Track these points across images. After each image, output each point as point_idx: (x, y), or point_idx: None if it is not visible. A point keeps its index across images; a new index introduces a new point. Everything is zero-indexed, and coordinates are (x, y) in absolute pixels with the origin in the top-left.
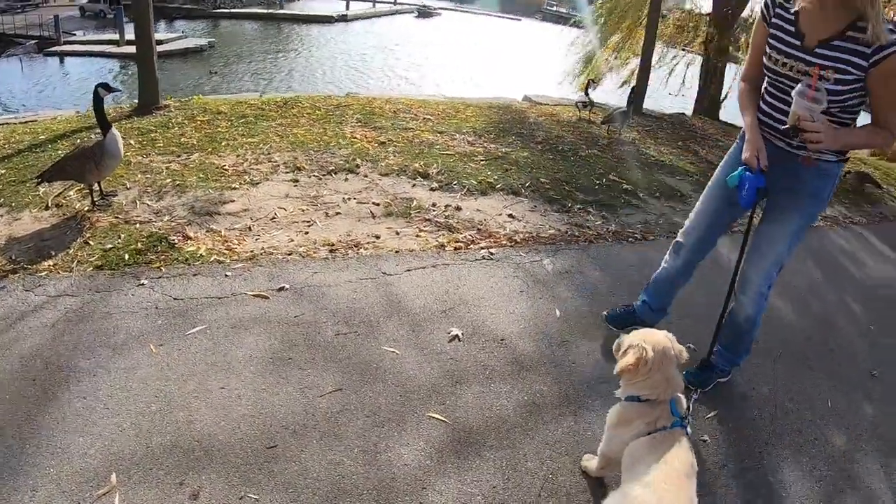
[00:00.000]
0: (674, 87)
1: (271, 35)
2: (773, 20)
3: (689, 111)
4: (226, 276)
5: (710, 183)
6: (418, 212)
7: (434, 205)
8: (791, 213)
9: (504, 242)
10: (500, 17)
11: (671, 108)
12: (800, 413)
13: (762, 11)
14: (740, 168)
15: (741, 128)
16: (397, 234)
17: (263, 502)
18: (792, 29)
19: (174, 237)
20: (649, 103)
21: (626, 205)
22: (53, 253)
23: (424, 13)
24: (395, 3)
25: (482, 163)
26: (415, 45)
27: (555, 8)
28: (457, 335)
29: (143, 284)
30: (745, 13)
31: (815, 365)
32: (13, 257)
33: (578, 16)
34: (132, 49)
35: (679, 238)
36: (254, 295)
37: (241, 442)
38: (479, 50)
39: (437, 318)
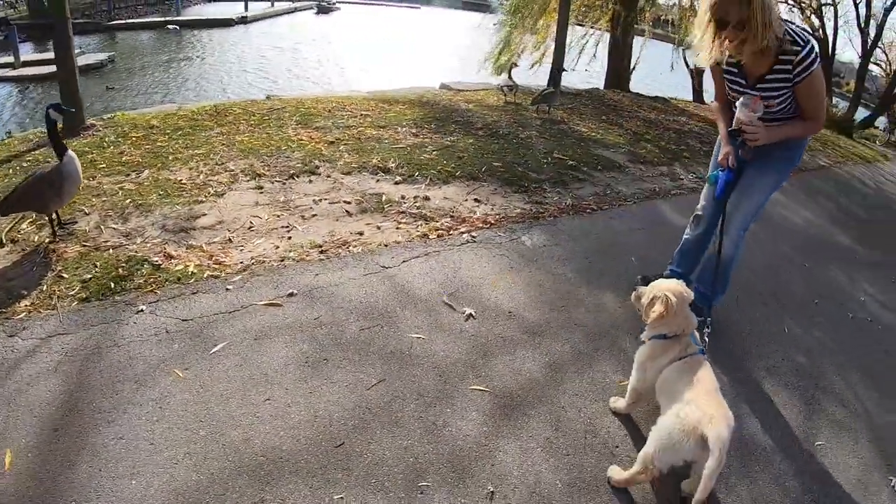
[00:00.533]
0: (583, 64)
1: (171, 44)
2: (725, 67)
3: (600, 86)
4: (227, 289)
5: (710, 167)
6: (390, 205)
7: (403, 197)
8: (767, 173)
9: (480, 225)
10: (399, 6)
11: (583, 84)
12: (764, 338)
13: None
14: (717, 169)
15: (655, 98)
16: (378, 228)
17: (349, 499)
18: (737, 71)
19: (156, 258)
20: (563, 80)
21: (574, 180)
22: (25, 292)
23: (324, 9)
24: (293, 1)
25: (434, 153)
26: (318, 42)
27: None
28: (470, 314)
29: (142, 311)
30: None
31: (768, 301)
32: None
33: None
34: (31, 71)
35: (697, 212)
36: (266, 304)
37: (308, 447)
38: (384, 41)
39: (448, 302)
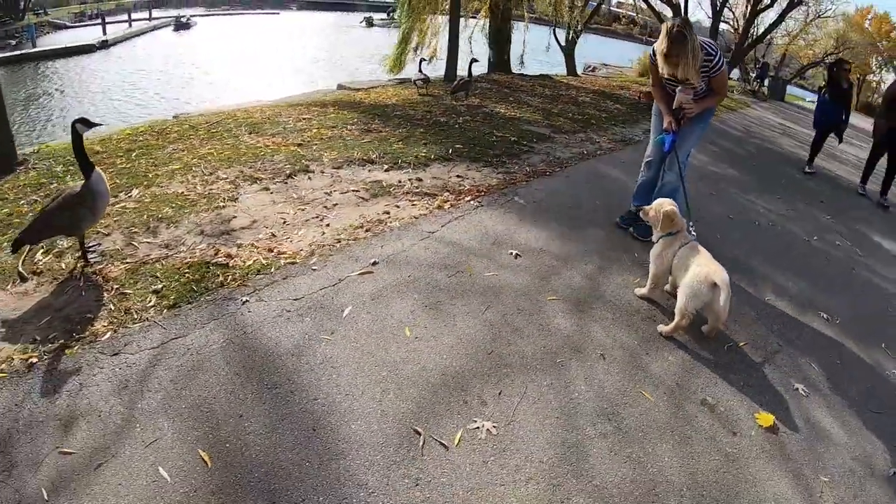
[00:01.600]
0: (465, 51)
1: (27, 78)
2: (662, 71)
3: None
4: (313, 270)
5: (652, 131)
6: (394, 189)
7: (399, 181)
8: (694, 131)
9: (476, 194)
10: (256, 13)
11: (463, 71)
12: (703, 244)
13: (652, 58)
14: (664, 133)
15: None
16: (398, 207)
17: (521, 381)
18: (671, 75)
19: (218, 259)
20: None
21: (522, 152)
22: (90, 315)
23: (182, 24)
24: (150, 20)
25: (400, 143)
26: (184, 59)
27: None
28: (517, 254)
29: (247, 301)
30: None
31: (698, 220)
32: (38, 337)
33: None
34: None
35: (647, 159)
36: (359, 274)
37: (470, 359)
38: (251, 51)
39: (494, 248)
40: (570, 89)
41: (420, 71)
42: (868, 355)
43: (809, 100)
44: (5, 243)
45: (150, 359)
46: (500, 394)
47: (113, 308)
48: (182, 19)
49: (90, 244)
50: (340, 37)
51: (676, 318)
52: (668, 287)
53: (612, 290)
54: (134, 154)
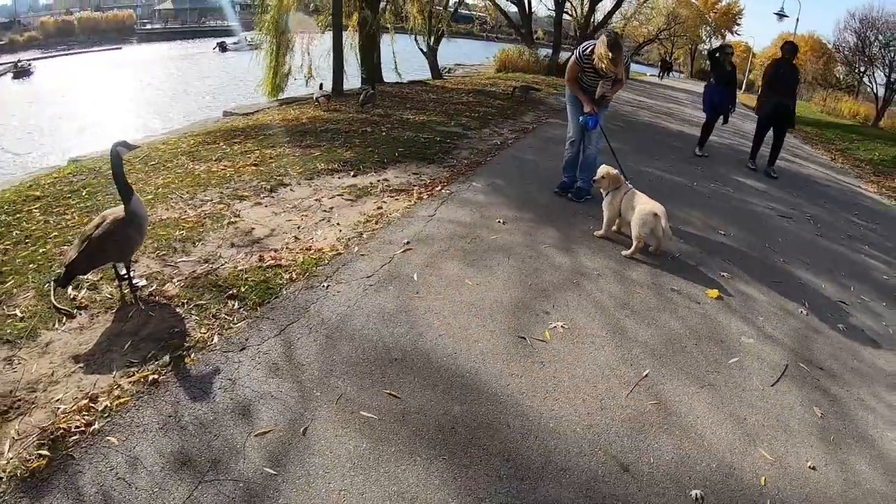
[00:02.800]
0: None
1: None
2: (584, 65)
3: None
4: (362, 255)
5: (569, 112)
6: (371, 189)
7: (371, 183)
8: (603, 111)
9: (440, 186)
10: (97, 51)
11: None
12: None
13: (577, 59)
14: (586, 115)
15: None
16: (385, 202)
17: (565, 308)
18: (591, 68)
19: (269, 263)
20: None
21: (452, 149)
22: (178, 329)
23: (22, 71)
24: None
25: (349, 153)
26: (28, 107)
27: (148, 26)
28: (503, 221)
29: (328, 287)
30: None
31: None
32: (134, 360)
33: (188, 27)
34: None
35: (570, 138)
36: (402, 252)
37: (529, 294)
38: (110, 89)
39: (485, 220)
40: (449, 92)
41: (321, 88)
42: (759, 252)
43: (651, 74)
44: (45, 283)
45: (282, 343)
46: (553, 306)
47: (198, 318)
48: (20, 65)
49: (123, 273)
50: (197, 65)
51: (635, 244)
52: (614, 228)
53: (580, 236)
54: (85, 192)
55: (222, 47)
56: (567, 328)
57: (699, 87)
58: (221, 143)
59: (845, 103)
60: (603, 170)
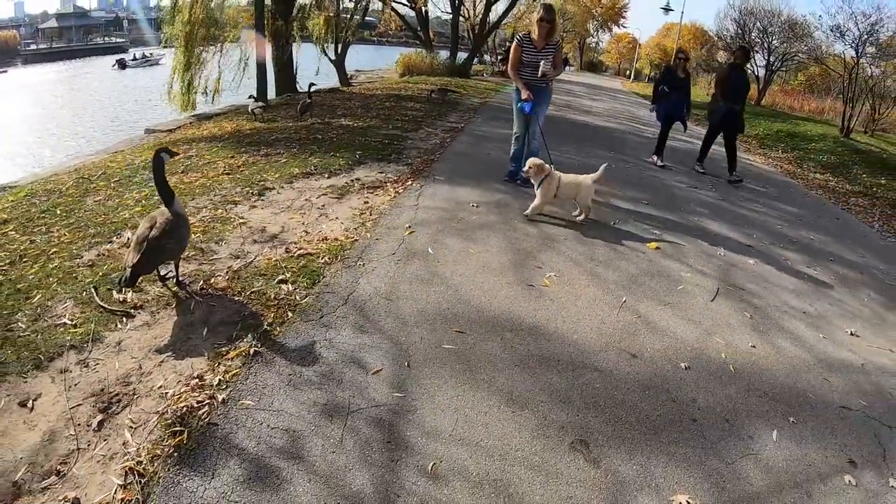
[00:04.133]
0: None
1: None
2: (524, 46)
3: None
4: (376, 240)
5: (515, 109)
6: (348, 188)
7: (347, 183)
8: (543, 108)
9: (407, 180)
10: None
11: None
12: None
13: (519, 41)
14: (523, 101)
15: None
16: (368, 198)
17: (562, 252)
18: (532, 46)
19: (300, 252)
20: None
21: (402, 149)
22: (244, 313)
23: None
24: None
25: (314, 158)
26: None
27: (33, 46)
28: (476, 204)
29: (363, 264)
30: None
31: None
32: (219, 342)
33: (75, 45)
34: None
35: (515, 133)
36: (409, 234)
37: (524, 255)
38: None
39: (460, 205)
40: (369, 98)
41: (256, 100)
42: (678, 215)
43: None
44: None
45: (353, 309)
46: (541, 263)
47: (261, 302)
48: None
49: (164, 273)
50: (98, 83)
51: (585, 211)
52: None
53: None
54: (59, 211)
55: (121, 64)
56: (558, 276)
57: (591, 78)
58: (181, 157)
59: None
60: (530, 161)
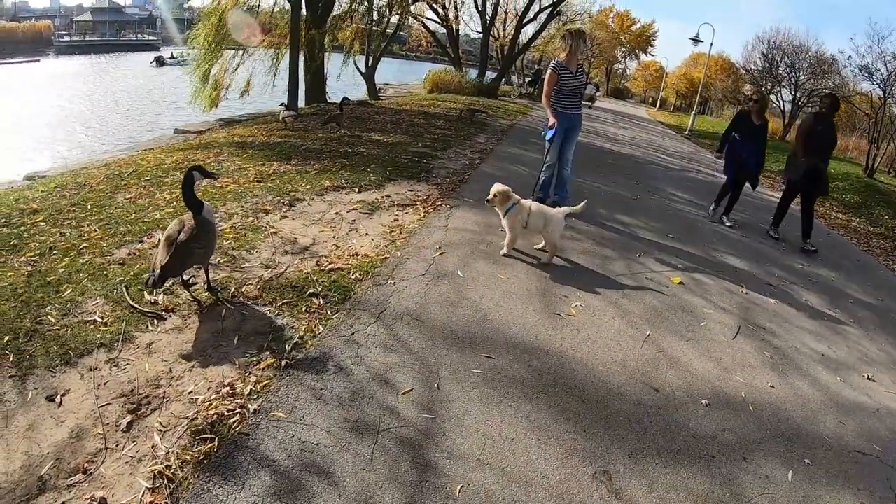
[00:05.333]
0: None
1: None
2: (560, 73)
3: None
4: (406, 259)
5: (550, 139)
6: (379, 203)
7: (377, 199)
8: (576, 134)
9: (436, 199)
10: (11, 62)
11: (259, 105)
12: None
13: (554, 69)
14: (548, 129)
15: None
16: (398, 215)
17: (589, 283)
18: (568, 72)
19: (331, 266)
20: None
21: (431, 168)
22: (275, 324)
23: None
24: None
25: (345, 172)
26: None
27: (66, 38)
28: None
29: (394, 282)
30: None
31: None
32: (250, 351)
33: (108, 40)
34: None
35: (548, 162)
36: (439, 255)
37: (551, 276)
38: (38, 105)
39: (489, 228)
40: (399, 114)
41: (286, 107)
42: (701, 250)
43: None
44: (121, 286)
45: (383, 328)
46: (568, 292)
47: (292, 314)
48: None
49: (188, 279)
50: (134, 81)
51: (550, 249)
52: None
53: (564, 240)
54: (90, 206)
55: (159, 62)
56: (584, 306)
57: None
58: (207, 160)
59: None
60: (495, 188)
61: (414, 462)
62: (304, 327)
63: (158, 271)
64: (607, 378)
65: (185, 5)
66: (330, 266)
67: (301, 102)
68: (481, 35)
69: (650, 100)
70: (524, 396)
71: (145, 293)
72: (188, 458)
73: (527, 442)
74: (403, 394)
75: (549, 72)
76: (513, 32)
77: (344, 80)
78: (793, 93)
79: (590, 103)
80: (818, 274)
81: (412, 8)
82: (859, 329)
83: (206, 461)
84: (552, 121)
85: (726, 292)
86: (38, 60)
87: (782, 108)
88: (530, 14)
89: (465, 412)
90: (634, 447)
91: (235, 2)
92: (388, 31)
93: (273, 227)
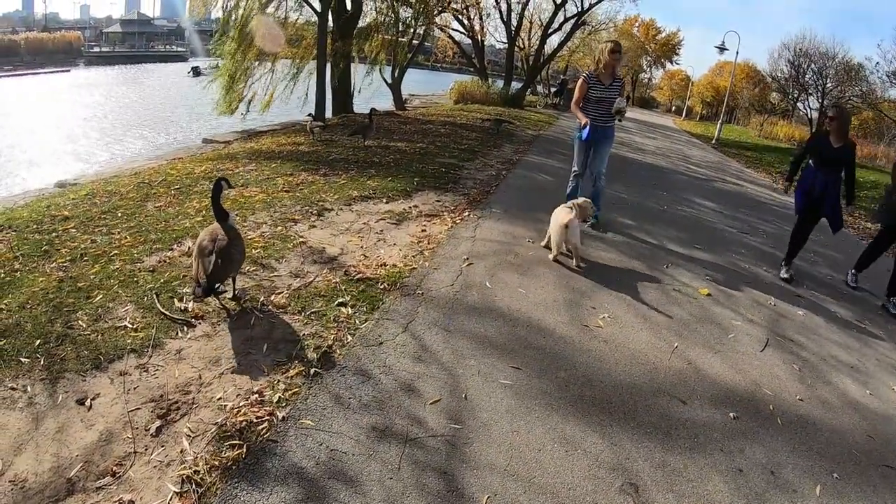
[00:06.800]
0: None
1: None
2: (591, 83)
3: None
4: (434, 269)
5: (576, 146)
6: (406, 214)
7: (405, 210)
8: (607, 147)
9: (463, 210)
10: (43, 73)
11: (284, 115)
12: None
13: (585, 78)
14: (583, 130)
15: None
16: (425, 226)
17: (614, 290)
18: (599, 83)
19: (359, 276)
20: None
21: (457, 178)
22: (303, 332)
23: None
24: None
25: (371, 182)
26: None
27: (96, 49)
28: (531, 240)
29: (421, 293)
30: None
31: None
32: (280, 359)
33: (137, 51)
34: None
35: (575, 171)
36: (467, 266)
37: (576, 288)
38: (72, 113)
39: (516, 239)
40: (425, 124)
41: (314, 119)
42: (728, 261)
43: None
44: (152, 293)
45: (411, 338)
46: (596, 304)
47: (321, 323)
48: None
49: (217, 287)
50: (169, 91)
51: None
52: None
53: (590, 251)
54: (120, 213)
55: (196, 72)
56: (612, 318)
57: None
58: (236, 170)
59: (781, 127)
60: (573, 204)
61: (440, 471)
62: (332, 336)
63: (205, 280)
64: (635, 390)
65: (212, 17)
66: (358, 276)
67: (328, 113)
68: (506, 45)
69: (673, 108)
70: (551, 407)
71: (175, 300)
72: (216, 463)
73: (553, 453)
74: (431, 403)
75: (580, 80)
76: (538, 43)
77: (370, 90)
78: (820, 100)
79: (619, 117)
80: (847, 286)
81: (438, 19)
82: (889, 341)
83: (234, 467)
84: (584, 120)
85: (754, 303)
86: (69, 70)
87: (809, 115)
88: (555, 24)
89: (493, 422)
90: (662, 459)
91: (262, 13)
92: (413, 41)
93: (301, 237)
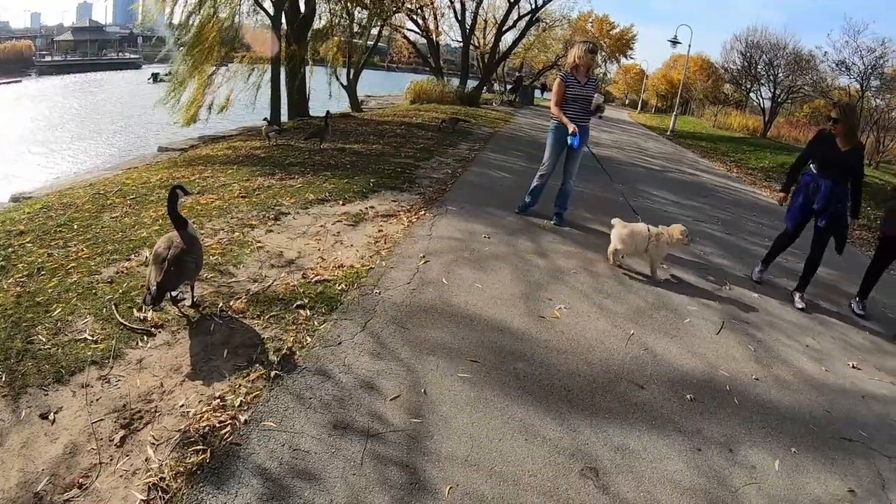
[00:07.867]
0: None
1: None
2: (568, 82)
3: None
4: (391, 268)
5: (550, 144)
6: (363, 215)
7: (361, 211)
8: (580, 150)
9: (420, 209)
10: None
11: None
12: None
13: (562, 78)
14: (570, 136)
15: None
16: (381, 226)
17: (575, 285)
18: (576, 81)
19: (317, 278)
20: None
21: (415, 178)
22: (263, 336)
23: None
24: None
25: (327, 185)
26: None
27: (48, 58)
28: (487, 235)
29: (379, 291)
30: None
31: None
32: (241, 364)
33: (89, 59)
34: None
35: (542, 172)
36: (423, 263)
37: (534, 282)
38: (22, 125)
39: (472, 235)
40: (381, 125)
41: (270, 122)
42: (685, 250)
43: (546, 96)
44: (111, 304)
45: (370, 337)
46: (551, 295)
47: (280, 326)
48: None
49: (176, 295)
50: (127, 97)
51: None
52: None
53: (548, 244)
54: (76, 226)
55: (156, 78)
56: (568, 308)
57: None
58: (192, 177)
59: (734, 118)
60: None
61: (403, 465)
62: (291, 338)
63: (155, 288)
64: (592, 378)
65: (165, 23)
66: (316, 278)
67: (284, 117)
68: (461, 44)
69: (628, 102)
70: (510, 398)
71: (134, 310)
72: (181, 469)
73: (513, 442)
74: (391, 399)
75: (557, 81)
76: (493, 41)
77: (326, 92)
78: (772, 90)
79: (598, 113)
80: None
81: (392, 19)
82: (845, 319)
83: (199, 472)
84: (571, 127)
85: (710, 288)
86: (20, 81)
87: (762, 105)
88: (509, 22)
89: (452, 415)
90: (620, 443)
91: (215, 19)
92: (369, 43)
93: (259, 242)
